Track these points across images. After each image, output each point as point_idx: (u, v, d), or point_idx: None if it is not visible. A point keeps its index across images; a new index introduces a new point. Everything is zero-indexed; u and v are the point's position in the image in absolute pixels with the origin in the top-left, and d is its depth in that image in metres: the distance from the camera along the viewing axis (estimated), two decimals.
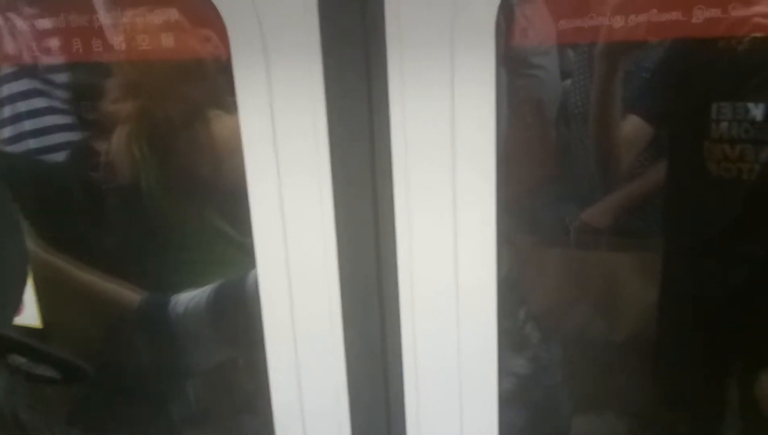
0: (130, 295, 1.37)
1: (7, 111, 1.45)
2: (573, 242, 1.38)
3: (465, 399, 1.09)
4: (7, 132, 1.46)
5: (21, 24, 1.12)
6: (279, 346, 1.12)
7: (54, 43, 1.12)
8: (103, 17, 1.07)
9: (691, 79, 1.25)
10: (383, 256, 1.04)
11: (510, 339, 1.26)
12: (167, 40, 1.05)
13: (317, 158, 0.99)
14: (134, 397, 1.45)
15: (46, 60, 1.19)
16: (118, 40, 1.08)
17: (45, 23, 1.10)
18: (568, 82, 1.36)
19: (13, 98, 1.44)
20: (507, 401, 1.13)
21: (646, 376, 1.36)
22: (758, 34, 1.00)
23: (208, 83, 1.24)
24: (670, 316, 1.33)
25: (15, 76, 1.42)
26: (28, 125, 1.46)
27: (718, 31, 0.86)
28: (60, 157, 1.48)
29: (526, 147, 1.29)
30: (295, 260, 1.06)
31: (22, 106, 1.44)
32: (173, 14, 1.04)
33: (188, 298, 1.33)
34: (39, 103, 1.45)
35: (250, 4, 0.94)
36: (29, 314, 1.38)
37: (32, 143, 1.46)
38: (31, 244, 1.36)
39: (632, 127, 1.31)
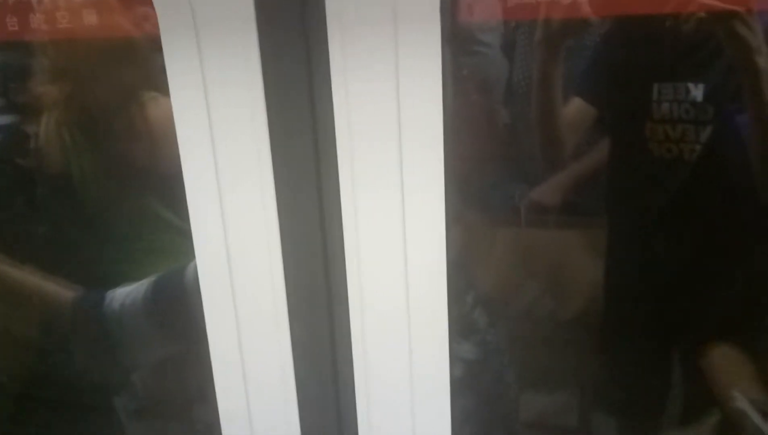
0: (63, 292, 1.26)
1: None
2: (523, 221, 1.35)
3: (416, 385, 1.04)
4: None
5: None
6: (222, 339, 1.05)
7: None
8: None
9: (633, 61, 1.22)
10: (329, 242, 0.98)
11: (459, 322, 1.23)
12: (90, 18, 0.94)
13: (256, 142, 0.92)
14: (74, 397, 1.35)
15: None
16: (38, 18, 0.97)
17: None
18: (515, 60, 1.31)
19: None
20: (458, 386, 1.09)
21: (594, 353, 1.35)
22: (701, 14, 0.97)
23: (140, 63, 1.15)
24: (616, 293, 1.31)
25: None
26: None
27: (668, 6, 0.82)
28: None
29: (473, 126, 1.24)
30: (236, 250, 0.99)
31: None
32: None
33: (124, 294, 1.24)
34: None
35: None
36: None
37: None
38: None
39: (575, 108, 1.28)
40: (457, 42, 0.94)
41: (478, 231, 1.34)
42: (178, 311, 1.15)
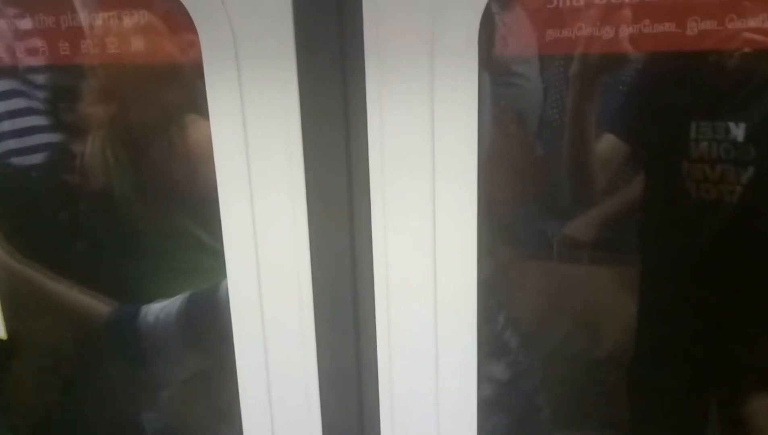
0: (100, 305, 1.28)
1: None
2: (555, 255, 1.31)
3: (442, 415, 1.01)
4: None
5: None
6: (250, 360, 1.05)
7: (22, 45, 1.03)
8: (72, 20, 0.98)
9: (669, 98, 1.19)
10: (359, 270, 0.98)
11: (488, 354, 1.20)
12: (137, 44, 0.97)
13: (291, 169, 0.93)
14: (105, 408, 1.35)
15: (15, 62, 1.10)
16: (87, 44, 1.00)
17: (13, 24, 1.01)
18: (550, 92, 1.29)
19: None
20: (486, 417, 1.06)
21: (626, 393, 1.30)
22: (747, 50, 0.94)
23: (184, 87, 1.16)
24: (649, 334, 1.26)
25: None
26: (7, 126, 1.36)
27: (710, 44, 0.79)
28: (38, 158, 1.39)
29: (507, 157, 1.22)
30: (267, 274, 0.99)
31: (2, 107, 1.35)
32: (144, 18, 0.96)
33: (159, 308, 1.25)
34: (20, 103, 1.36)
35: (222, 10, 0.87)
36: None
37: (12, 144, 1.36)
38: None
39: (608, 145, 1.25)
40: (493, 73, 0.93)
41: (509, 264, 1.31)
42: (210, 327, 1.15)
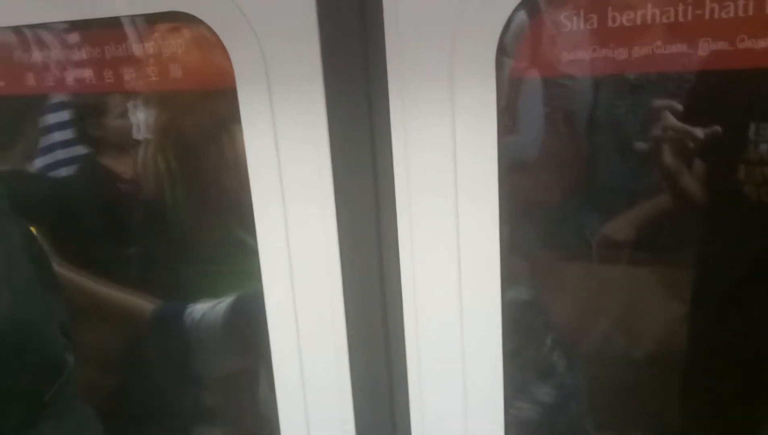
0: (145, 303, 1.42)
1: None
2: (596, 257, 1.33)
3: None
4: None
5: (37, 55, 1.16)
6: (286, 362, 1.15)
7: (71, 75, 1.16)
8: (115, 50, 1.10)
9: (728, 96, 1.18)
10: (387, 284, 1.06)
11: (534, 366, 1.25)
12: (175, 72, 1.08)
13: (320, 186, 1.03)
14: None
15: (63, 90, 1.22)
16: (130, 72, 1.12)
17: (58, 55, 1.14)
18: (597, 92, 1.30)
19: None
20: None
21: (673, 397, 1.31)
22: None
23: (229, 101, 1.27)
24: (700, 337, 1.27)
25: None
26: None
27: (725, 64, 0.81)
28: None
29: (554, 158, 1.25)
30: (300, 279, 1.09)
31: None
32: (181, 48, 1.07)
33: (207, 307, 1.37)
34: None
35: (252, 36, 0.96)
36: None
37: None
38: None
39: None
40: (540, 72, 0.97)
41: (551, 266, 1.34)
42: (254, 330, 1.25)
